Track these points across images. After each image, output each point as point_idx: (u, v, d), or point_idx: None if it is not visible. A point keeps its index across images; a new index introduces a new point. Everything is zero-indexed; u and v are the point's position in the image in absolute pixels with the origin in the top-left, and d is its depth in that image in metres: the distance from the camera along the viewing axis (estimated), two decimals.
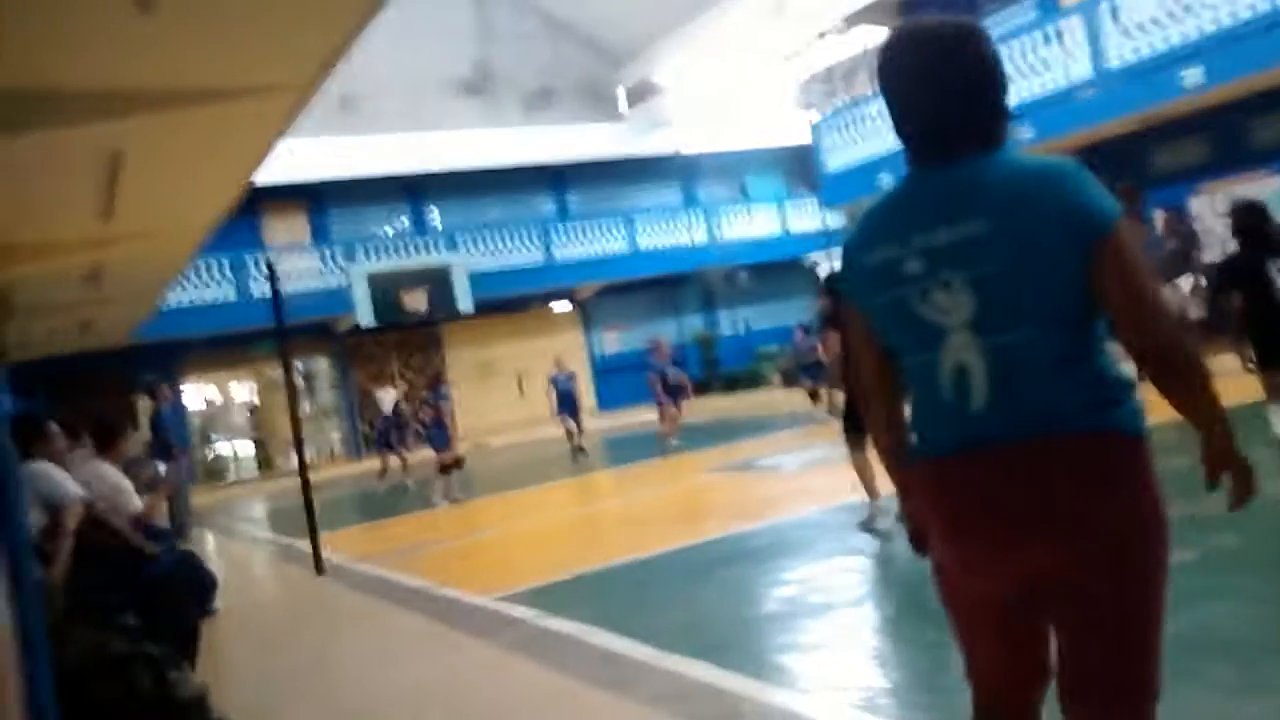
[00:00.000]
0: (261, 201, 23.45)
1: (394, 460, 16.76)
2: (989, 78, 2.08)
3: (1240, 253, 6.64)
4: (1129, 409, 2.05)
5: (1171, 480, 6.93)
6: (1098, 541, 1.98)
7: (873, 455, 5.49)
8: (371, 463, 23.50)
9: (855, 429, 6.99)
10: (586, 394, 23.31)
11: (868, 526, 6.97)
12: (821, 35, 23.42)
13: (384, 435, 17.08)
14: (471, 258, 24.83)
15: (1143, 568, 2.04)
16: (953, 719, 3.68)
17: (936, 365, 2.06)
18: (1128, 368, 2.18)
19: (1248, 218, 6.64)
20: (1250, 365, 6.94)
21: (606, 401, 26.08)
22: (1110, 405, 2.03)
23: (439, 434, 13.36)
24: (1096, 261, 1.93)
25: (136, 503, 6.52)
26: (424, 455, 15.63)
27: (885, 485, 5.32)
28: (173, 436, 13.54)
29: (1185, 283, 13.53)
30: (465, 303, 23.94)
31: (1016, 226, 1.95)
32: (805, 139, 23.02)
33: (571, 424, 16.00)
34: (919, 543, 2.25)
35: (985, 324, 1.99)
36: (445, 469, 13.08)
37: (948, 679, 4.11)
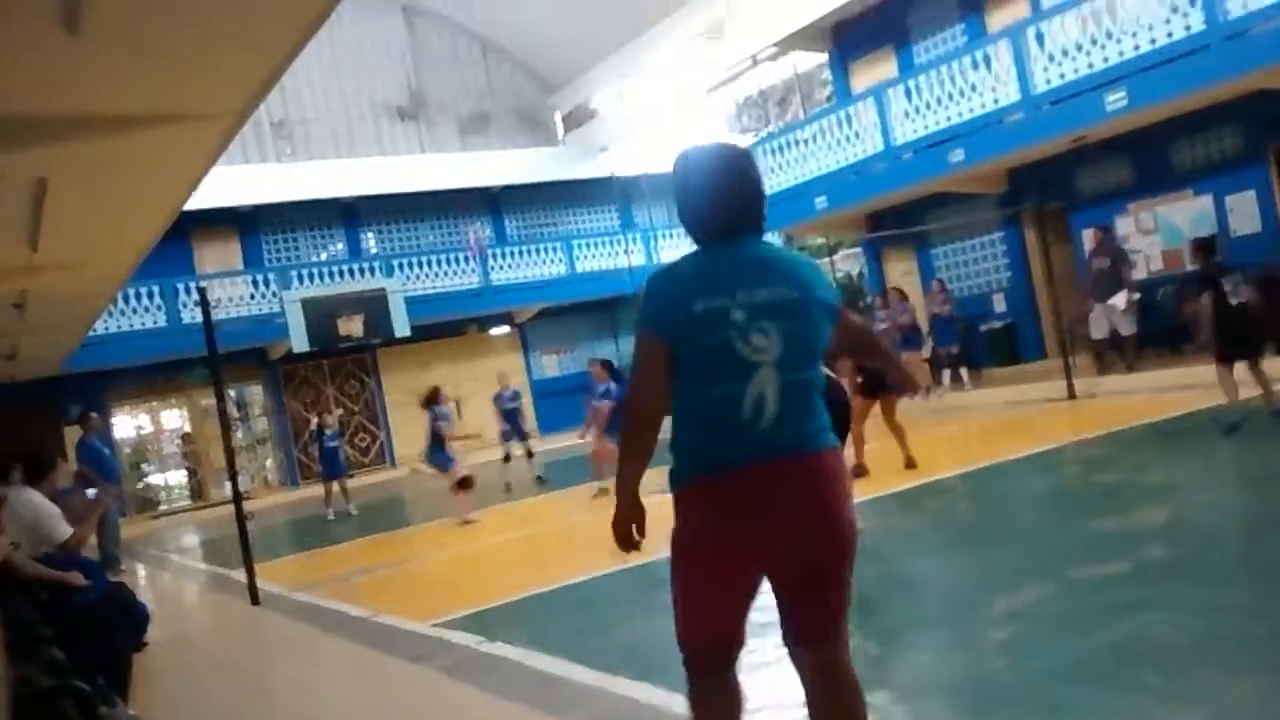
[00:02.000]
0: (192, 227, 23.07)
1: (335, 487, 16.25)
2: (761, 187, 2.91)
3: (1204, 268, 9.27)
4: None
5: (1101, 494, 7.10)
6: (846, 531, 2.73)
7: None
8: (310, 490, 23.23)
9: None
10: (527, 417, 23.19)
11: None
12: (755, 60, 23.69)
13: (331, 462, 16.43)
14: (408, 282, 24.64)
15: (855, 552, 2.79)
16: None
17: (743, 394, 2.67)
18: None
19: (1208, 241, 9.78)
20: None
21: (547, 425, 25.97)
22: (830, 429, 2.79)
23: (441, 455, 12.74)
24: (840, 321, 2.92)
25: (65, 529, 6.39)
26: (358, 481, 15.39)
27: None
28: (99, 468, 13.09)
29: (1119, 299, 13.80)
30: (402, 327, 23.72)
31: (812, 294, 2.77)
32: None
33: (512, 448, 15.87)
34: (628, 542, 2.89)
35: (786, 363, 2.68)
36: (465, 486, 12.35)
37: (888, 692, 4.15)
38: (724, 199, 2.82)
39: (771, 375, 2.66)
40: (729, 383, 2.67)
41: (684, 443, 2.77)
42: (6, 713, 3.51)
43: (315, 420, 18.09)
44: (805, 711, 4.05)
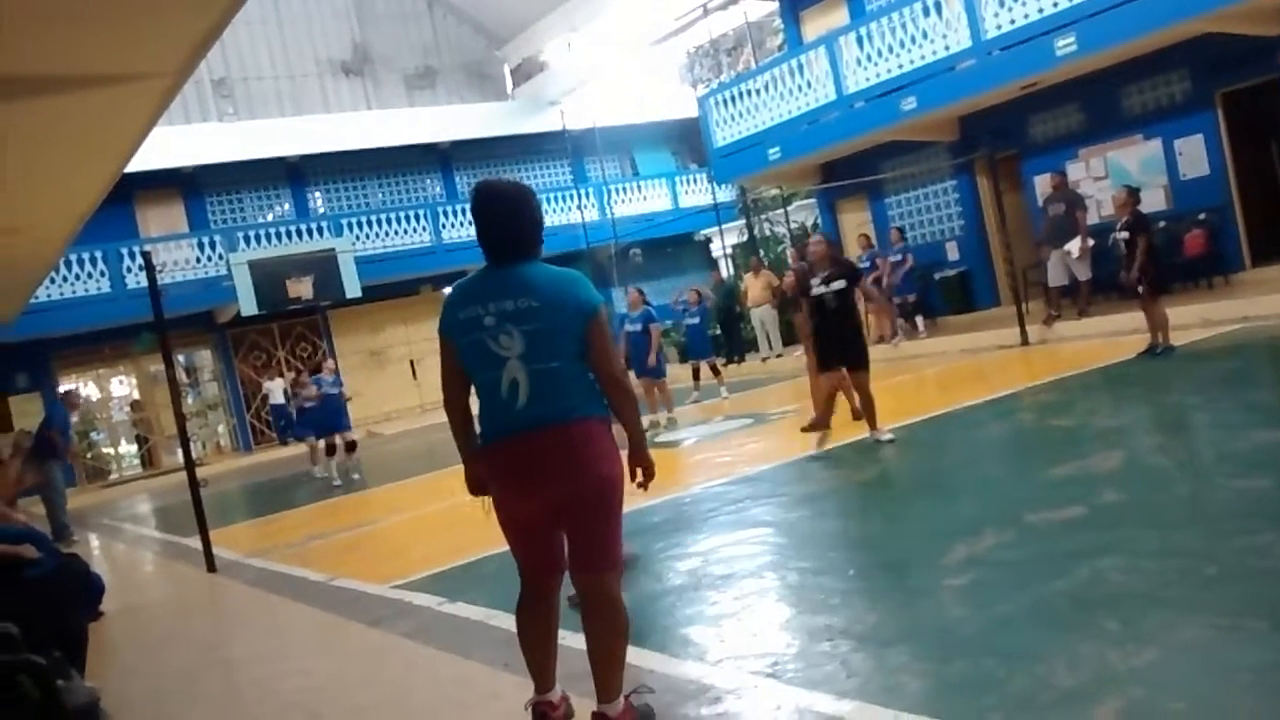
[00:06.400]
0: (135, 190, 22.62)
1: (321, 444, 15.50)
2: (534, 219, 3.54)
3: (1136, 213, 10.22)
4: (602, 403, 3.51)
5: (1056, 440, 7.16)
6: (591, 482, 3.42)
7: None
8: (264, 454, 23.04)
9: None
10: None
11: None
12: (705, 10, 23.47)
13: (309, 422, 15.70)
14: (357, 242, 24.33)
15: (613, 497, 3.48)
16: (854, 680, 3.75)
17: (499, 380, 3.43)
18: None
19: (1138, 192, 10.59)
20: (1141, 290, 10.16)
21: None
22: (594, 402, 3.48)
23: (340, 417, 13.73)
24: (589, 329, 3.43)
25: None
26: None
27: None
28: (65, 435, 13.00)
29: (1074, 245, 13.81)
30: (353, 288, 23.47)
31: (552, 304, 3.39)
32: (693, 113, 23.07)
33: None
34: (476, 489, 3.66)
35: (529, 356, 3.39)
36: (350, 449, 13.85)
37: (850, 641, 4.18)
38: (493, 235, 3.50)
39: (519, 367, 3.39)
40: (487, 371, 3.45)
41: (480, 415, 3.57)
42: None
43: (294, 376, 17.12)
44: (766, 661, 4.09)
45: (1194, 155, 14.13)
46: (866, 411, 8.75)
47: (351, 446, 14.17)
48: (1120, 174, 14.54)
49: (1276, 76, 13.10)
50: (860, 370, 8.70)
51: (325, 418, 14.18)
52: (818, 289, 8.72)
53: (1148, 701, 3.16)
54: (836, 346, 8.74)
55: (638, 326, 13.40)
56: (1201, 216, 13.94)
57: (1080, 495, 5.70)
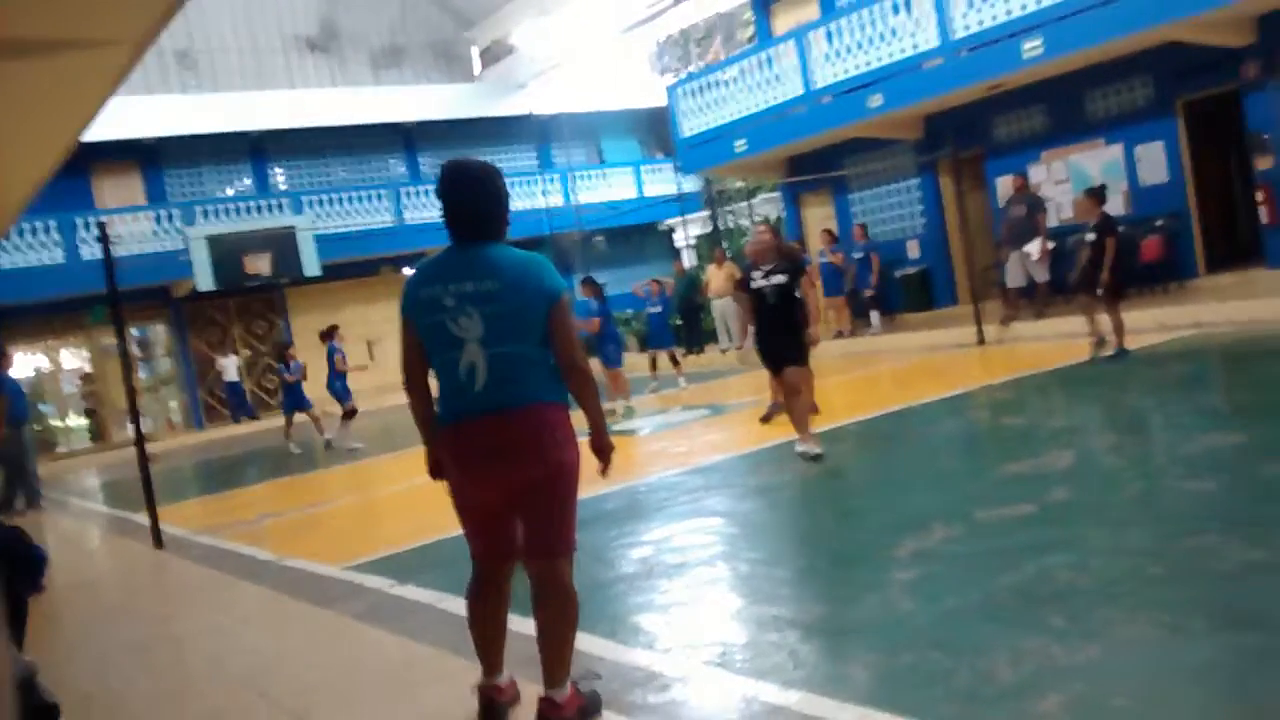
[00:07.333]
0: (92, 160, 22.24)
1: (298, 418, 15.48)
2: (500, 200, 3.52)
3: (1103, 215, 10.24)
4: (562, 389, 3.48)
5: (1009, 439, 7.22)
6: (547, 468, 3.39)
7: None
8: (217, 432, 22.77)
9: None
10: None
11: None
12: None
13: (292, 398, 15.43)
14: (318, 220, 24.08)
15: (569, 480, 3.47)
16: (801, 671, 3.76)
17: (457, 362, 3.39)
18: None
19: (1101, 190, 10.51)
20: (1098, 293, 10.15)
21: None
22: (553, 387, 3.45)
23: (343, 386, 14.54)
24: (551, 314, 3.40)
25: None
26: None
27: None
28: (16, 406, 12.71)
29: (1033, 247, 13.98)
30: (311, 266, 23.24)
31: (514, 288, 3.36)
32: (661, 102, 23.02)
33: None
34: (435, 472, 3.63)
35: (489, 339, 3.36)
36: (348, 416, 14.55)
37: (798, 632, 4.19)
38: (458, 214, 3.47)
39: (477, 350, 3.36)
40: (446, 352, 3.41)
41: (438, 397, 3.53)
42: None
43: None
44: (714, 650, 4.10)
45: (1154, 161, 14.29)
46: (796, 417, 7.95)
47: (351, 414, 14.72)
48: (1081, 178, 14.68)
49: (1238, 86, 13.29)
50: (800, 369, 8.10)
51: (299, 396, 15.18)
52: (758, 282, 8.15)
53: (1090, 696, 3.20)
54: (772, 343, 8.20)
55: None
56: (1159, 223, 14.12)
57: (1031, 493, 5.75)
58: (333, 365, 14.59)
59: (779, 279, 8.06)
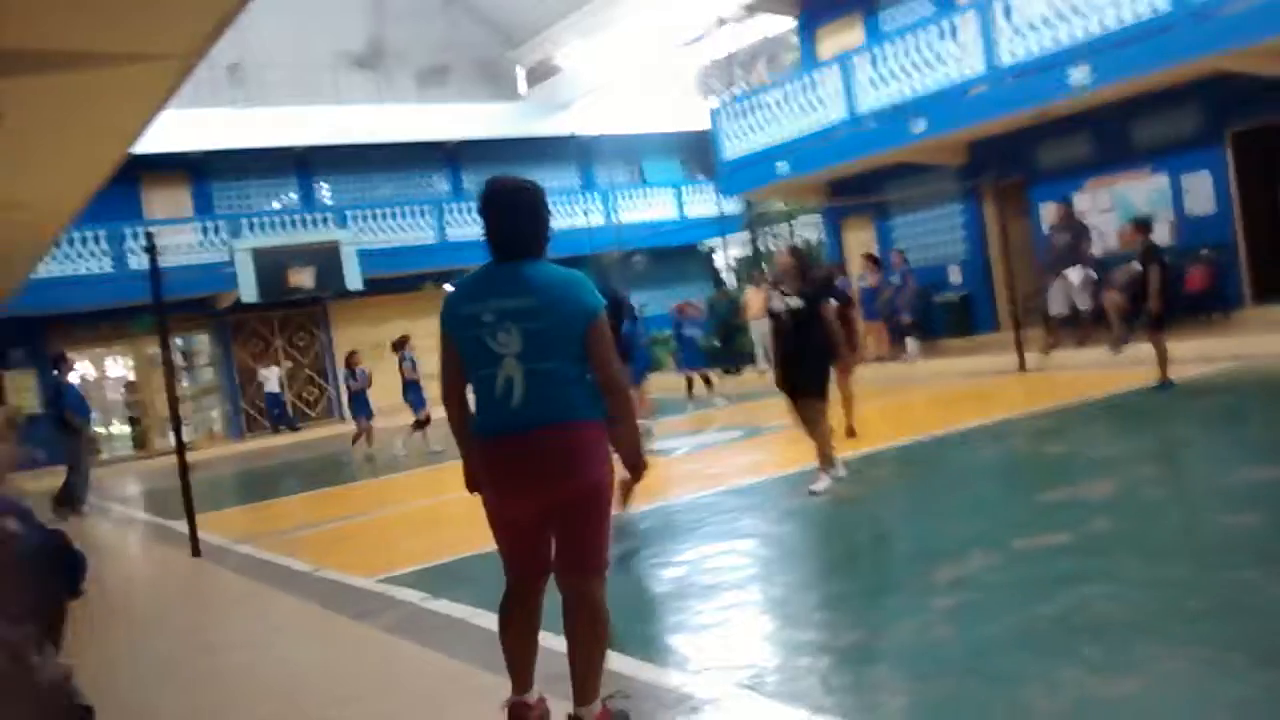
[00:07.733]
0: (141, 171, 22.60)
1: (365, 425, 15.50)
2: (540, 218, 3.51)
3: (1148, 244, 10.21)
4: (598, 407, 3.46)
5: (1049, 467, 7.12)
6: (583, 485, 3.41)
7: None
8: (255, 442, 22.99)
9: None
10: None
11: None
12: (722, 22, 23.51)
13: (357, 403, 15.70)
14: (361, 235, 24.31)
15: (604, 502, 3.51)
16: (833, 697, 3.73)
17: (495, 378, 3.39)
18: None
19: (1148, 221, 10.65)
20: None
21: None
22: (589, 405, 3.44)
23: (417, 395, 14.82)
24: (589, 332, 3.38)
25: None
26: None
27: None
28: (75, 409, 12.99)
29: (1075, 274, 13.87)
30: (354, 281, 23.45)
31: (552, 305, 3.36)
32: (704, 125, 23.07)
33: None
34: (472, 486, 3.63)
35: (527, 356, 3.36)
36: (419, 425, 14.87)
37: (831, 657, 4.16)
38: (500, 230, 3.48)
39: (515, 365, 3.37)
40: (484, 368, 3.42)
41: (475, 411, 3.53)
42: None
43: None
44: (746, 672, 4.08)
45: (1201, 192, 14.13)
46: (821, 448, 7.62)
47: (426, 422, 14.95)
48: (1127, 207, 14.55)
49: None
50: (810, 399, 7.63)
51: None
52: (775, 304, 7.78)
53: None
54: (786, 369, 7.79)
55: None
56: (1205, 253, 13.95)
57: (1070, 522, 5.68)
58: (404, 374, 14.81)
59: (795, 302, 7.64)
